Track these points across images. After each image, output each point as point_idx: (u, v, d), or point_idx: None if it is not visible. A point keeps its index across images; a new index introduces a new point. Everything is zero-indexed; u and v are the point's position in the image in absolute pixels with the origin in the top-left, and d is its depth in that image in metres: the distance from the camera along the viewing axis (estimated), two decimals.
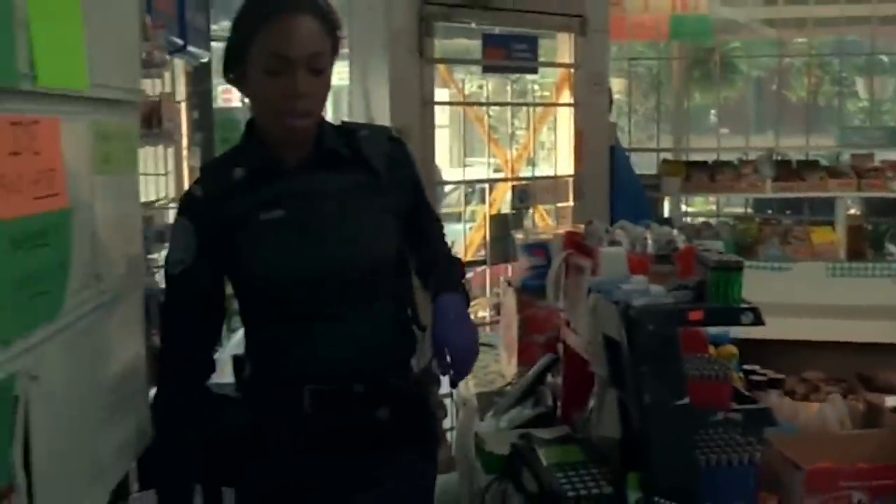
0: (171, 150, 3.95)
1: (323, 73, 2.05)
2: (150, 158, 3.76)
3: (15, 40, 1.50)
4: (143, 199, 2.68)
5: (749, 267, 6.01)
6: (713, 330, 2.55)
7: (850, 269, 5.90)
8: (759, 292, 6.03)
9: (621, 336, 1.80)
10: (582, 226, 2.36)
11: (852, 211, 6.98)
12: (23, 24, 1.54)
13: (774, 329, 5.79)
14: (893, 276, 5.43)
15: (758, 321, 1.85)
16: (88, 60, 1.83)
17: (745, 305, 1.88)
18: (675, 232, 2.11)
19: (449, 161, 15.19)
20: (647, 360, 1.77)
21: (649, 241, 2.06)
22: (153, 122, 2.96)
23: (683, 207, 7.70)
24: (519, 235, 2.85)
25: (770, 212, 6.97)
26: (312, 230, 2.08)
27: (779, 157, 6.51)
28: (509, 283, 2.92)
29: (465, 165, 6.04)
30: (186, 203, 2.17)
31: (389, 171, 2.16)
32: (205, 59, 4.67)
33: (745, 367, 2.48)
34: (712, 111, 7.46)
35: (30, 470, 1.51)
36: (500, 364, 3.02)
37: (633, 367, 1.79)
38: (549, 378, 2.49)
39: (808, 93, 7.65)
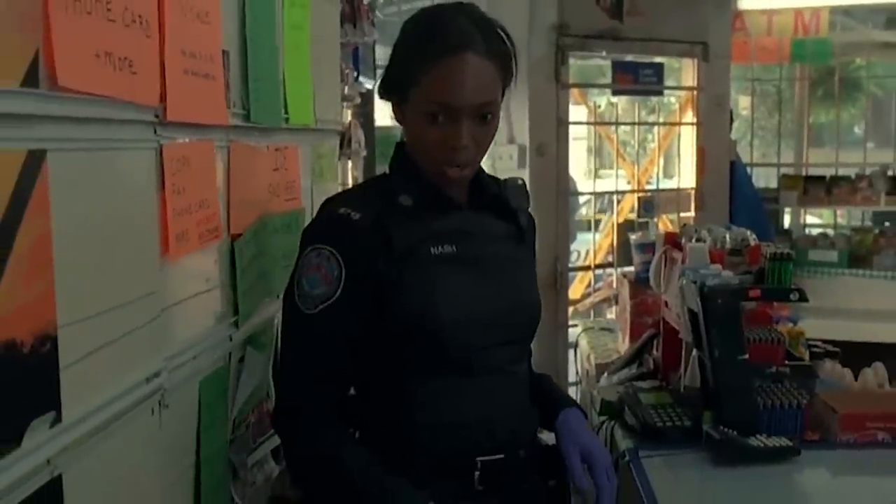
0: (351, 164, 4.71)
1: (491, 120, 1.87)
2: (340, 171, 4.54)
3: (280, 95, 2.25)
4: None
5: (862, 276, 6.52)
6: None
7: None
8: (872, 299, 6.55)
9: (699, 308, 2.43)
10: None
11: None
12: (281, 83, 2.29)
13: (887, 334, 6.28)
14: None
15: (803, 299, 2.44)
16: (313, 104, 2.58)
17: (794, 287, 2.47)
18: (748, 233, 2.71)
19: (585, 174, 15.79)
20: (716, 325, 2.39)
21: (727, 239, 2.68)
22: (344, 143, 3.71)
23: (808, 219, 8.10)
24: (633, 237, 3.46)
25: (888, 224, 7.32)
26: (485, 270, 1.91)
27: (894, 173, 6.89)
28: (624, 276, 3.57)
29: (596, 177, 6.64)
30: (336, 230, 1.84)
31: (528, 230, 2.07)
32: (369, 86, 5.43)
33: (810, 340, 3.01)
34: (834, 129, 7.83)
35: None
36: (616, 343, 3.66)
37: (707, 332, 2.42)
38: (654, 352, 3.11)
39: None
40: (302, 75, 2.41)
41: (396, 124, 1.94)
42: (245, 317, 2.13)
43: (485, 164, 2.03)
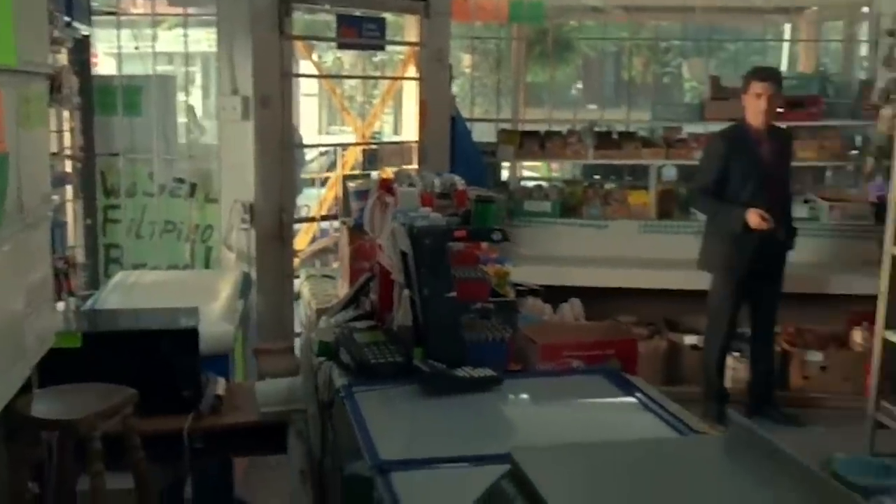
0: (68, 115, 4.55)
1: None
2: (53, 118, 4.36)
3: None
4: None
5: (573, 224, 6.93)
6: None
7: (659, 227, 6.84)
8: (581, 246, 6.98)
9: (409, 249, 2.54)
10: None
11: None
12: None
13: (594, 278, 6.75)
14: (696, 232, 6.35)
15: (505, 239, 2.60)
16: (15, 43, 2.48)
17: (497, 228, 2.63)
18: (456, 178, 2.84)
19: (318, 129, 15.91)
20: (425, 264, 2.51)
21: (437, 184, 2.81)
22: (54, 89, 3.57)
23: (525, 172, 8.50)
24: (351, 184, 3.54)
25: (597, 177, 7.80)
26: None
27: (603, 129, 7.34)
28: (344, 223, 3.65)
29: (328, 133, 6.71)
30: None
31: None
32: (86, 33, 5.23)
33: (515, 281, 3.20)
34: (546, 87, 8.23)
35: None
36: (337, 289, 3.75)
37: (417, 271, 2.53)
38: (371, 294, 3.21)
39: (630, 71, 8.55)
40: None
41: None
42: None
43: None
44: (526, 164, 8.11)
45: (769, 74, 5.77)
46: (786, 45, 8.27)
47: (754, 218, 5.46)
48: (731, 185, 5.65)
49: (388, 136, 6.97)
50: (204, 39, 7.28)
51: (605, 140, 7.11)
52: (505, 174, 7.75)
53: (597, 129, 7.15)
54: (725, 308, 5.80)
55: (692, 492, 1.37)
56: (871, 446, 4.67)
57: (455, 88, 7.11)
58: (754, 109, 5.61)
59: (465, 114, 7.11)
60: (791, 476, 1.35)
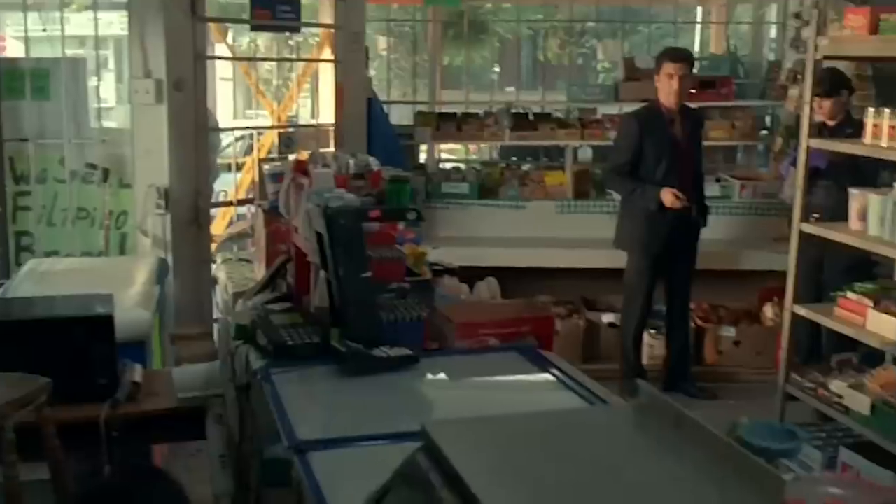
0: None
1: None
2: None
3: None
4: None
5: (490, 205, 6.98)
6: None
7: (575, 207, 6.92)
8: (499, 227, 7.03)
9: (324, 230, 2.54)
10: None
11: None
12: None
13: (513, 258, 6.82)
14: (612, 212, 6.44)
15: (419, 218, 2.62)
16: None
17: (411, 207, 2.64)
18: (371, 158, 2.85)
19: (234, 113, 15.76)
20: (340, 245, 2.52)
21: (351, 165, 2.81)
22: None
23: (444, 155, 8.52)
24: (266, 167, 3.52)
25: (514, 158, 7.86)
26: None
27: (519, 111, 7.38)
28: (259, 206, 3.63)
29: (245, 117, 6.64)
30: None
31: None
32: None
33: (431, 261, 3.22)
34: (463, 68, 8.25)
35: None
36: (254, 272, 3.73)
37: (332, 252, 2.54)
38: (288, 276, 3.20)
39: (546, 53, 8.63)
40: None
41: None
42: None
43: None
44: (444, 146, 8.13)
45: (681, 55, 5.86)
46: (698, 28, 8.40)
47: (668, 196, 5.56)
48: (645, 165, 5.74)
49: (305, 120, 6.91)
50: (116, 22, 7.17)
51: (522, 121, 7.15)
52: (423, 156, 7.76)
53: (513, 110, 7.18)
54: (641, 286, 5.90)
55: (602, 459, 1.41)
56: (781, 417, 4.79)
57: (372, 71, 7.09)
58: (667, 90, 5.70)
59: (382, 96, 7.10)
60: (697, 442, 1.39)
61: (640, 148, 5.74)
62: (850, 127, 5.22)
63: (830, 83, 5.49)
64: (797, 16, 6.92)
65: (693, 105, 6.32)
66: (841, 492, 1.37)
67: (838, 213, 4.68)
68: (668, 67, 5.69)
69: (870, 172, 5.10)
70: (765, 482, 1.25)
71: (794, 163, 5.32)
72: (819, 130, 5.37)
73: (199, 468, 4.16)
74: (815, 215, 4.97)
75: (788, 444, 1.49)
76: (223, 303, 3.78)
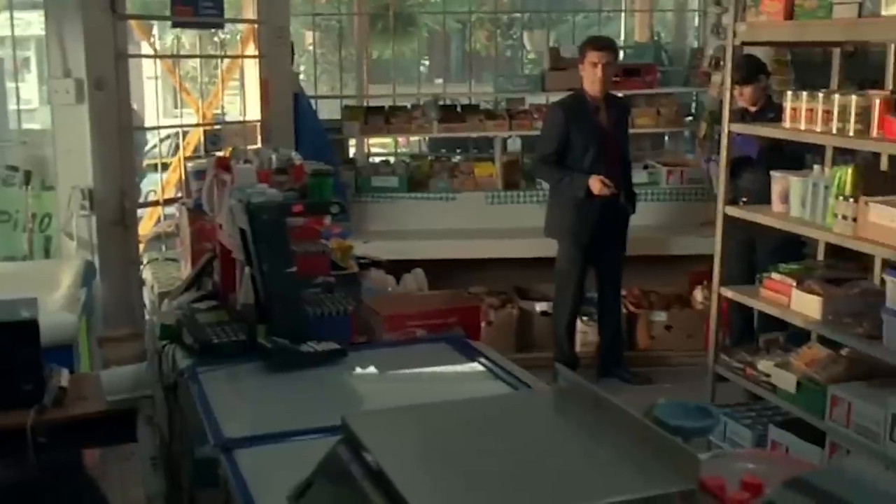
0: None
1: None
2: None
3: None
4: None
5: (421, 198, 6.97)
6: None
7: (505, 197, 6.95)
8: (430, 220, 7.02)
9: (246, 225, 2.52)
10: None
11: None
12: None
13: (444, 250, 6.82)
14: (542, 202, 6.47)
15: (343, 211, 2.61)
16: None
17: (334, 201, 2.64)
18: (293, 153, 2.83)
19: (161, 112, 15.54)
20: (264, 240, 2.50)
21: (274, 160, 2.79)
22: None
23: (374, 149, 8.48)
24: (189, 165, 3.49)
25: (444, 150, 7.86)
26: None
27: (447, 103, 7.39)
28: (184, 205, 3.59)
29: (173, 116, 6.55)
30: None
31: None
32: None
33: (358, 255, 3.21)
34: (391, 61, 8.23)
35: None
36: (180, 272, 3.69)
37: (256, 247, 2.52)
38: (214, 275, 3.17)
39: (474, 45, 8.65)
40: None
41: None
42: None
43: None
44: (374, 139, 8.10)
45: (605, 43, 5.91)
46: (622, 16, 8.47)
47: (596, 184, 5.61)
48: (572, 154, 5.79)
49: (233, 117, 6.84)
50: (36, 22, 7.02)
51: (450, 113, 7.16)
52: (353, 150, 7.73)
53: (441, 102, 7.19)
54: (572, 274, 5.95)
55: (522, 445, 1.42)
56: (712, 398, 4.86)
57: (301, 66, 7.05)
58: (591, 78, 5.75)
59: (309, 91, 7.05)
60: (615, 424, 1.41)
61: (567, 137, 5.79)
62: (772, 111, 5.30)
63: (747, 69, 5.57)
64: (717, 2, 7.01)
65: (619, 93, 6.38)
66: (756, 467, 1.40)
67: (766, 197, 4.76)
68: (592, 56, 5.74)
69: (798, 156, 5.20)
70: (681, 461, 1.27)
71: (713, 159, 5.41)
72: (742, 116, 5.46)
73: (132, 470, 4.11)
74: (744, 199, 5.05)
75: (703, 422, 1.52)
76: (150, 303, 3.73)
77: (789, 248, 5.23)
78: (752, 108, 5.67)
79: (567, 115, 5.83)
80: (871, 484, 1.11)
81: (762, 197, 4.83)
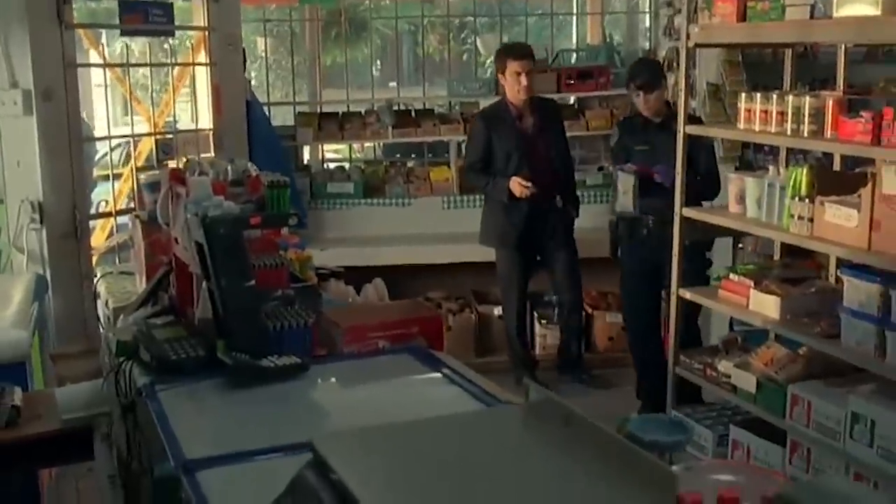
0: None
1: None
2: None
3: None
4: None
5: (376, 204, 6.93)
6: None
7: (461, 202, 6.93)
8: (386, 225, 6.99)
9: (203, 239, 2.48)
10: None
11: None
12: None
13: (401, 256, 6.78)
14: None
15: (301, 224, 2.57)
16: None
17: (293, 213, 2.60)
18: (249, 164, 2.79)
19: (113, 121, 15.30)
20: (221, 254, 2.45)
21: (229, 171, 2.74)
22: None
23: (329, 155, 8.42)
24: (142, 177, 3.43)
25: (399, 156, 7.82)
26: None
27: (401, 108, 7.35)
28: (137, 217, 3.53)
29: (123, 125, 6.44)
30: None
31: None
32: None
33: (318, 266, 3.18)
34: (344, 67, 8.18)
35: None
36: (135, 286, 3.63)
37: (213, 261, 2.47)
38: (170, 289, 3.12)
39: (426, 49, 8.61)
40: None
41: None
42: None
43: None
44: (329, 146, 8.05)
45: (524, 52, 5.98)
46: (574, 18, 8.48)
47: (516, 186, 5.71)
48: (497, 161, 5.92)
49: (186, 125, 6.76)
50: None
51: (404, 118, 7.14)
52: (307, 157, 7.67)
53: (395, 107, 7.15)
54: (513, 278, 6.03)
55: (493, 463, 1.39)
56: (673, 400, 4.87)
57: (253, 73, 6.98)
58: (515, 87, 5.84)
59: (263, 98, 6.99)
60: (586, 440, 1.38)
61: (489, 145, 5.88)
62: (674, 120, 4.94)
63: (650, 74, 5.49)
64: (669, 3, 7.05)
65: (547, 96, 6.43)
66: (731, 478, 1.39)
67: (669, 215, 4.80)
68: (515, 65, 5.80)
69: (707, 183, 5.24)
70: (657, 478, 1.25)
71: (623, 169, 5.33)
72: (644, 127, 5.45)
73: (90, 489, 4.03)
74: (652, 218, 5.20)
75: (677, 436, 1.50)
76: (104, 318, 3.66)
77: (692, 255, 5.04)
78: (657, 120, 5.47)
79: (487, 124, 5.97)
80: (850, 499, 1.10)
81: (665, 215, 4.86)
